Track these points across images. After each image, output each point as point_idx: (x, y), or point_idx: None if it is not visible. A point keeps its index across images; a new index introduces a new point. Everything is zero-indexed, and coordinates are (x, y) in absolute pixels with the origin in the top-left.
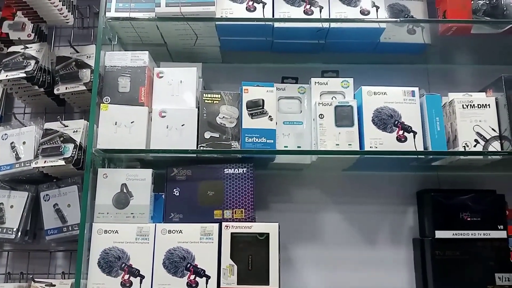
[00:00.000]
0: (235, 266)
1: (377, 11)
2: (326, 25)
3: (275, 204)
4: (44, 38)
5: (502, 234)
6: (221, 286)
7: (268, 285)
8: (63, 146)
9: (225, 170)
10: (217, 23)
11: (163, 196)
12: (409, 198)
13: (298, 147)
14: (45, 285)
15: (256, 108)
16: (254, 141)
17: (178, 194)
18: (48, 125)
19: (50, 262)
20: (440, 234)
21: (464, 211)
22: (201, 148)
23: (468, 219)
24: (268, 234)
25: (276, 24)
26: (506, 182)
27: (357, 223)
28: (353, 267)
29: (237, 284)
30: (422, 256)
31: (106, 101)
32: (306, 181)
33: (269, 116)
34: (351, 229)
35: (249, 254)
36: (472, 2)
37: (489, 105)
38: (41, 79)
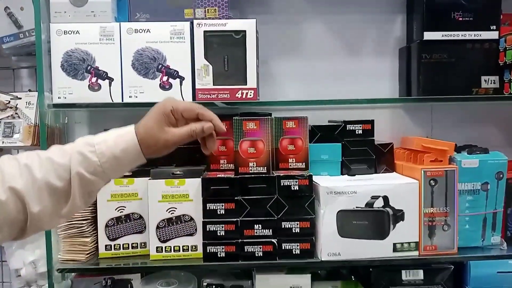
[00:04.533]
0: (210, 66)
1: None
2: None
3: (253, 16)
4: None
5: (493, 35)
6: (196, 87)
7: (246, 85)
8: None
9: None
10: None
11: None
12: (398, 5)
13: None
14: (10, 98)
15: None
16: None
17: None
18: None
19: (14, 82)
20: (428, 35)
21: (456, 10)
22: None
23: (460, 19)
24: (245, 31)
25: None
26: None
27: (341, 34)
28: (335, 78)
29: (213, 85)
30: (407, 63)
31: None
32: None
33: None
34: (334, 40)
35: (225, 54)
36: None
37: None
38: None
